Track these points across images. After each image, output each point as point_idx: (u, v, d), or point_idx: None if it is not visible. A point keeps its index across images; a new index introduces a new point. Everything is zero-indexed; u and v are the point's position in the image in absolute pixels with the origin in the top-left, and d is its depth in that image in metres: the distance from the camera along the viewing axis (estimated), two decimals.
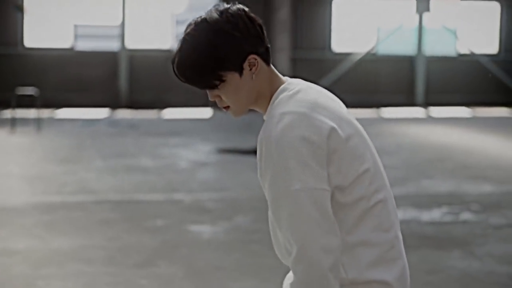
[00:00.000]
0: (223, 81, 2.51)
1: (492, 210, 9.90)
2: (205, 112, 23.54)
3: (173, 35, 25.33)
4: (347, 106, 25.21)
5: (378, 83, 26.63)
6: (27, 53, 24.35)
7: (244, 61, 2.52)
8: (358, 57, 25.77)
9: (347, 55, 26.32)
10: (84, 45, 24.77)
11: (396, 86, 26.80)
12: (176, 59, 2.52)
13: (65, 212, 9.44)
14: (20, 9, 23.80)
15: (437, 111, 25.06)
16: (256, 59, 2.53)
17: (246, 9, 2.55)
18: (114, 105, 24.69)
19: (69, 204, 9.95)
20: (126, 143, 15.97)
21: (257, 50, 2.54)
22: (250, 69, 2.53)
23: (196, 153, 14.72)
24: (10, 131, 17.57)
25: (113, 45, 24.96)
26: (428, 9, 26.37)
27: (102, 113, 22.84)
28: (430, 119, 22.52)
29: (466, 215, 9.60)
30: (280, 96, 2.52)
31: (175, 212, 9.54)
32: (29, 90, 18.26)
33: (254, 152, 14.85)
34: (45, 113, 22.02)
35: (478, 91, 27.31)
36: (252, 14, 2.55)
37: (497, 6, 27.54)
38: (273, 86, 2.59)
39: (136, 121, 20.71)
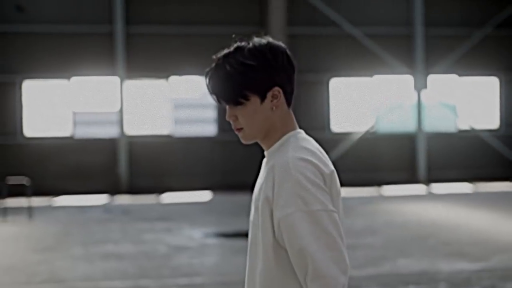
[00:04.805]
0: (247, 100, 2.73)
1: None
2: (204, 196, 23.56)
3: (171, 120, 25.53)
4: (348, 185, 25.14)
5: (379, 161, 26.61)
6: (27, 143, 24.62)
7: (269, 90, 2.75)
8: (358, 136, 25.85)
9: (346, 134, 26.38)
10: (83, 132, 25.03)
11: (397, 163, 26.76)
12: (211, 71, 2.76)
13: None
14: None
15: (439, 188, 24.94)
16: (279, 93, 2.76)
17: (288, 51, 2.81)
18: (114, 191, 24.79)
19: None
20: (113, 230, 15.98)
21: (284, 85, 2.78)
22: (272, 101, 2.75)
23: (179, 238, 14.69)
24: (1, 220, 17.65)
25: (112, 132, 25.19)
26: (425, 86, 26.51)
27: (100, 199, 22.93)
28: (429, 196, 22.41)
29: None
30: (292, 138, 2.78)
31: None
32: (21, 179, 18.42)
33: (239, 235, 14.77)
34: (43, 201, 22.14)
35: (480, 166, 27.19)
36: (291, 56, 2.83)
37: (496, 81, 27.61)
38: (287, 126, 2.82)
39: (132, 206, 20.75)
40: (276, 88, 2.77)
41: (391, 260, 11.89)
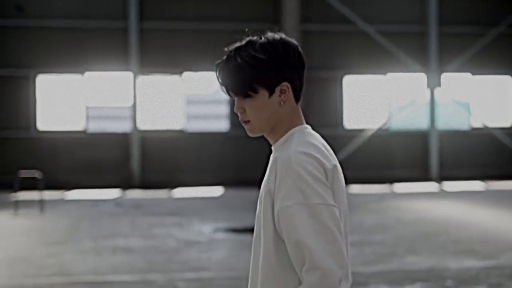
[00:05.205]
0: (255, 93, 2.76)
1: (466, 286, 9.75)
2: (216, 191, 23.61)
3: (184, 115, 25.58)
4: (360, 181, 25.13)
5: (391, 158, 26.57)
6: (40, 136, 24.74)
7: (278, 84, 2.79)
8: (371, 133, 25.82)
9: (359, 131, 26.35)
10: (96, 127, 25.14)
11: (410, 161, 26.72)
12: (222, 63, 2.81)
13: None
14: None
15: (450, 186, 24.89)
16: (288, 88, 2.80)
17: (300, 47, 2.85)
18: (126, 185, 24.87)
19: (41, 286, 9.99)
20: (123, 224, 16.04)
21: (293, 81, 2.83)
22: (280, 95, 2.78)
23: (189, 232, 14.73)
24: (13, 214, 17.75)
25: (125, 126, 25.28)
26: (439, 84, 26.44)
27: (112, 194, 23.01)
28: (441, 194, 22.37)
29: None
30: (297, 133, 2.81)
31: None
32: (33, 173, 18.53)
33: (248, 230, 14.81)
34: (55, 195, 22.24)
35: (492, 164, 27.11)
36: (302, 53, 2.87)
37: (509, 80, 27.51)
38: (294, 122, 2.86)
39: (143, 201, 20.82)
40: (285, 83, 2.80)
41: (400, 257, 11.89)
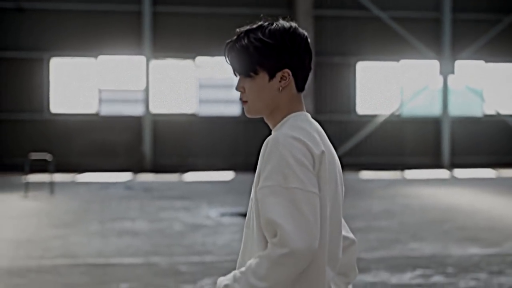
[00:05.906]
0: (256, 74, 2.86)
1: (466, 273, 9.77)
2: (227, 175, 23.67)
3: (196, 99, 25.63)
4: (372, 168, 25.14)
5: (403, 145, 26.53)
6: (53, 119, 24.86)
7: (279, 70, 2.86)
8: (383, 119, 25.79)
9: (371, 117, 26.32)
10: (108, 110, 25.24)
11: (421, 147, 26.67)
12: (232, 43, 2.92)
13: (35, 276, 9.57)
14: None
15: (462, 173, 24.84)
16: (289, 75, 2.87)
17: (309, 39, 2.90)
18: (138, 169, 24.98)
19: (44, 268, 10.08)
20: (132, 207, 16.14)
21: (295, 70, 2.89)
22: (280, 81, 2.86)
23: (196, 216, 14.81)
24: (23, 195, 17.88)
25: (137, 110, 25.36)
26: (452, 71, 26.34)
27: (124, 177, 23.11)
28: (452, 181, 22.33)
29: (437, 278, 9.49)
30: (291, 118, 2.87)
31: (145, 276, 9.61)
32: (43, 155, 18.66)
33: None
34: (66, 177, 22.37)
35: (504, 152, 27.02)
36: (310, 45, 2.93)
37: None
38: (292, 108, 2.92)
39: (153, 184, 20.91)
40: (286, 70, 2.86)
41: (403, 243, 11.91)
